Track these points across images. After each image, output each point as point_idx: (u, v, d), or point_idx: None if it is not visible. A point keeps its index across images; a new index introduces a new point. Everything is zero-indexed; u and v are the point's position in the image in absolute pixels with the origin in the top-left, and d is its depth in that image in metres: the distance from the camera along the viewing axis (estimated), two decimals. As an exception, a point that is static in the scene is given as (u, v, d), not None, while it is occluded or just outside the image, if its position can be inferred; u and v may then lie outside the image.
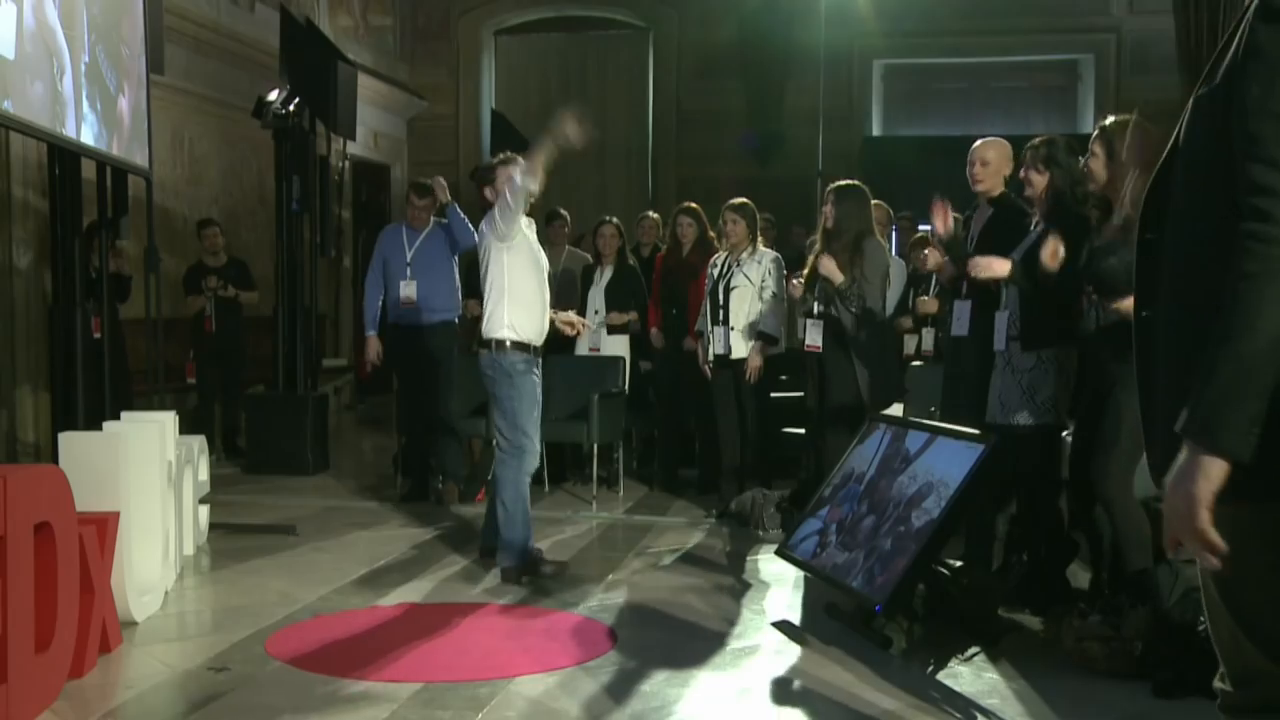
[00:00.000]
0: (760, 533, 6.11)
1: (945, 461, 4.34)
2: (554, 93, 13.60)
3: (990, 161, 4.90)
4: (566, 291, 7.33)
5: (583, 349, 7.53)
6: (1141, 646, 3.76)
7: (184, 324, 8.70)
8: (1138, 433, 1.91)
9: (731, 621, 4.54)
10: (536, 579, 5.06)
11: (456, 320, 7.26)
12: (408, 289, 7.00)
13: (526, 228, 5.17)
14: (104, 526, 4.02)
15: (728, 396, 6.63)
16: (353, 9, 12.43)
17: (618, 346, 7.52)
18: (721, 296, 6.56)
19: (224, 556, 5.52)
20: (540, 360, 5.24)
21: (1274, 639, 1.75)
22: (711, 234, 7.10)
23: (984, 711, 3.57)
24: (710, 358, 6.64)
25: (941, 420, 4.95)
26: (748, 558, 5.65)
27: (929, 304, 6.85)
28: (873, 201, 6.11)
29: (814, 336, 5.89)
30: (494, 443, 5.34)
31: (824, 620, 4.50)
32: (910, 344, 7.07)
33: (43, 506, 3.47)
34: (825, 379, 5.82)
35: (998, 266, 4.54)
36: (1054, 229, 4.37)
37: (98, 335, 6.15)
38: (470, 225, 7.10)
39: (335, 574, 5.19)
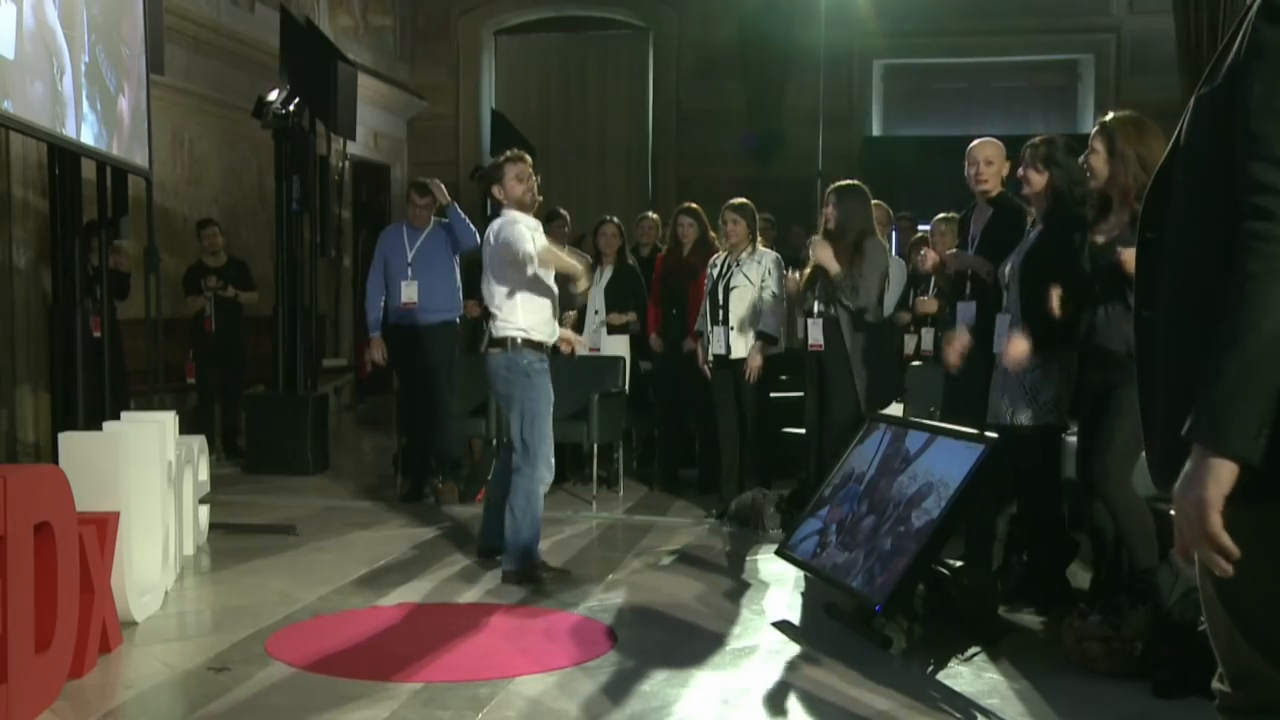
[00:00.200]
0: (760, 533, 6.11)
1: (945, 461, 4.34)
2: (554, 93, 13.61)
3: (994, 161, 4.93)
4: (566, 292, 7.33)
5: (583, 349, 7.52)
6: (1141, 646, 3.76)
7: (184, 324, 8.70)
8: (1138, 431, 1.90)
9: (731, 621, 4.54)
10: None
11: (457, 320, 7.26)
12: (409, 289, 7.00)
13: (534, 229, 5.15)
14: (104, 526, 4.02)
15: (727, 396, 6.63)
16: (353, 9, 12.43)
17: (618, 346, 7.53)
18: (721, 296, 6.56)
19: (224, 556, 5.52)
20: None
21: (1271, 640, 1.75)
22: (712, 234, 7.10)
23: (984, 711, 3.57)
24: (710, 358, 6.64)
25: (941, 420, 4.95)
26: (748, 558, 5.65)
27: (929, 304, 6.86)
28: (873, 201, 6.12)
29: (816, 335, 5.90)
30: (493, 444, 5.34)
31: (824, 620, 4.50)
32: (910, 344, 7.08)
33: (43, 506, 3.47)
34: (825, 378, 5.83)
35: (1019, 352, 4.46)
36: (1055, 285, 4.30)
37: (97, 334, 6.15)
38: (472, 226, 7.11)
39: (335, 574, 5.19)
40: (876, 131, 12.98)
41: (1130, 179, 4.01)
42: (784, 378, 7.33)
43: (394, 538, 6.00)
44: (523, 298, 5.07)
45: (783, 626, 4.49)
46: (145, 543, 4.51)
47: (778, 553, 5.08)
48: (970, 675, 3.87)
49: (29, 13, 4.70)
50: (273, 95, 8.14)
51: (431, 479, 7.06)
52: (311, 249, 8.45)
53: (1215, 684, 1.85)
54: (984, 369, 4.75)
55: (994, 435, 4.32)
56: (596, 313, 7.53)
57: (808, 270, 5.95)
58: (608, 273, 7.55)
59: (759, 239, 6.68)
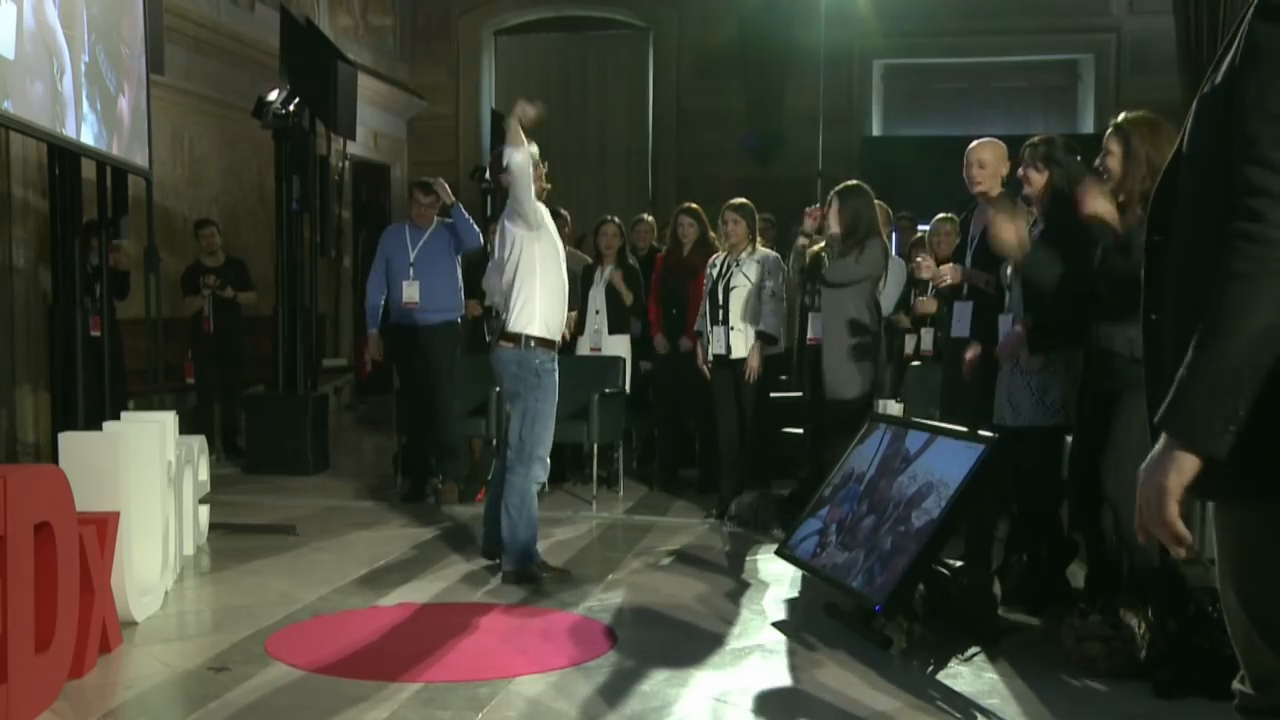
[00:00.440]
0: (760, 533, 6.11)
1: (945, 461, 4.34)
2: (554, 93, 13.58)
3: (988, 163, 4.90)
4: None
5: (584, 349, 7.53)
6: (1142, 646, 3.76)
7: (183, 324, 8.70)
8: (1144, 433, 1.91)
9: (731, 621, 4.54)
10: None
11: (459, 321, 7.26)
12: (410, 289, 6.99)
13: (547, 218, 5.12)
14: (104, 526, 4.02)
15: (727, 396, 6.63)
16: (353, 9, 12.43)
17: (618, 346, 7.53)
18: (721, 296, 6.56)
19: (224, 556, 5.52)
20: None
21: None
22: (712, 234, 7.11)
23: (984, 711, 3.57)
24: (709, 358, 6.64)
25: (941, 420, 4.95)
26: (748, 558, 5.65)
27: (928, 304, 6.85)
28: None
29: (815, 329, 5.91)
30: (493, 444, 5.33)
31: (824, 620, 4.50)
32: (910, 344, 7.08)
33: (43, 506, 3.47)
34: (823, 372, 5.87)
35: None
36: (995, 208, 4.40)
37: (96, 334, 6.15)
38: (476, 227, 7.10)
39: (335, 574, 5.19)
40: (876, 131, 12.98)
41: (1137, 182, 4.00)
42: (784, 378, 7.33)
43: (394, 538, 6.00)
44: (540, 291, 5.01)
45: (783, 626, 4.49)
46: (145, 543, 4.51)
47: (778, 553, 5.08)
48: (970, 675, 3.87)
49: (29, 13, 4.70)
50: (273, 95, 8.14)
51: (432, 479, 7.06)
52: (311, 249, 8.45)
53: (1236, 684, 1.85)
54: (983, 368, 4.75)
55: (994, 435, 4.32)
56: (598, 312, 7.53)
57: (810, 253, 6.02)
58: (608, 272, 7.54)
59: (759, 239, 6.69)
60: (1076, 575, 4.80)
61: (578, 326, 7.41)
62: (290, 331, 8.28)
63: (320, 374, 9.27)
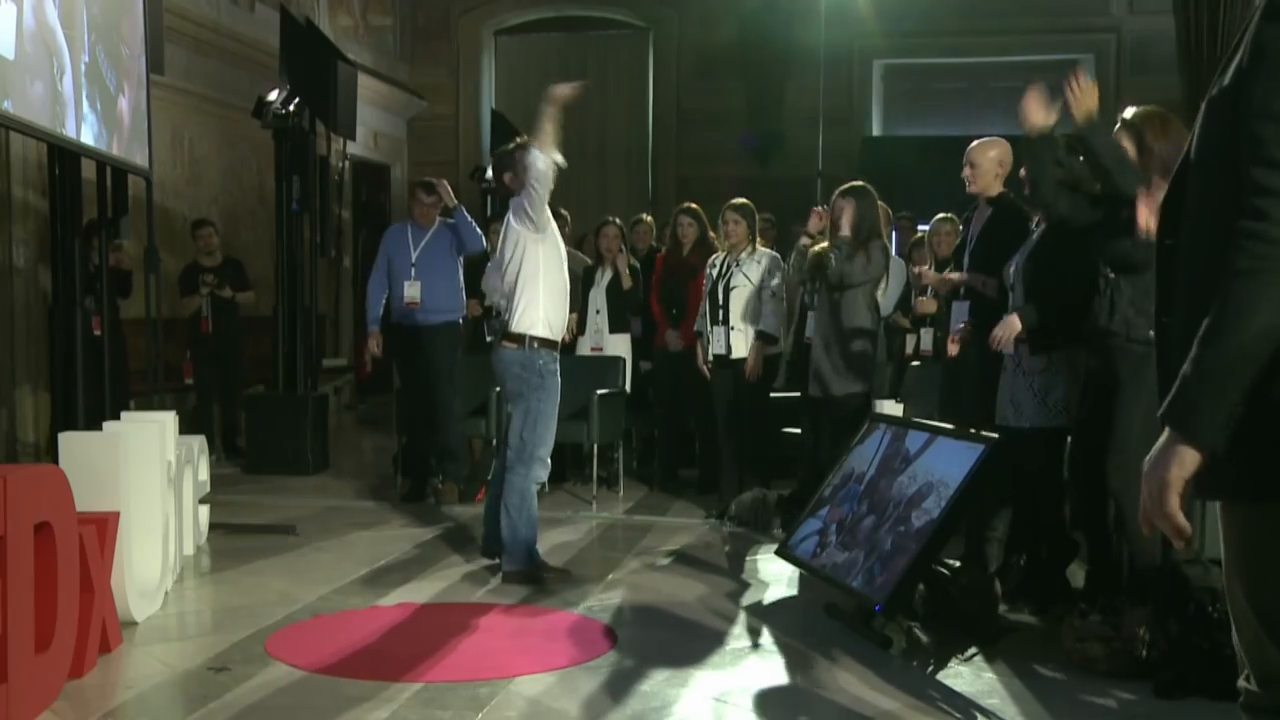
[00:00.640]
0: (760, 533, 6.11)
1: (945, 461, 4.34)
2: (554, 93, 13.57)
3: (978, 164, 4.92)
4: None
5: (584, 348, 7.53)
6: (1142, 646, 3.76)
7: (182, 324, 8.70)
8: (1148, 429, 1.93)
9: (731, 621, 4.54)
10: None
11: (460, 321, 7.26)
12: (411, 289, 6.99)
13: (550, 219, 5.13)
14: (104, 526, 4.02)
15: (727, 396, 6.63)
16: (353, 9, 12.42)
17: (619, 346, 7.53)
18: (721, 296, 6.56)
19: (224, 556, 5.52)
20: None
21: None
22: (712, 234, 7.11)
23: (984, 711, 3.57)
24: (709, 358, 6.64)
25: (941, 420, 4.95)
26: (748, 558, 5.65)
27: (928, 304, 6.85)
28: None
29: (815, 329, 5.92)
30: (493, 444, 5.32)
31: (824, 620, 4.50)
32: (910, 344, 7.08)
33: (43, 506, 3.47)
34: (822, 372, 5.88)
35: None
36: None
37: (97, 333, 6.15)
38: (478, 230, 7.10)
39: (335, 574, 5.19)
40: (876, 131, 12.97)
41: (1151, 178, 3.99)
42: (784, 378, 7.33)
43: (394, 538, 6.00)
44: (543, 292, 5.01)
45: (783, 626, 4.49)
46: (145, 543, 4.51)
47: (778, 553, 5.08)
48: (970, 675, 3.87)
49: (29, 13, 4.70)
50: (273, 95, 8.14)
51: (432, 479, 7.06)
52: (311, 249, 8.45)
53: (1241, 683, 1.85)
54: (982, 368, 4.75)
55: (994, 435, 4.32)
56: (598, 312, 7.53)
57: (811, 251, 6.03)
58: (609, 273, 7.54)
59: (759, 239, 6.69)
60: (1076, 575, 4.80)
61: (578, 328, 7.41)
62: (290, 331, 8.28)
63: (320, 374, 9.27)
